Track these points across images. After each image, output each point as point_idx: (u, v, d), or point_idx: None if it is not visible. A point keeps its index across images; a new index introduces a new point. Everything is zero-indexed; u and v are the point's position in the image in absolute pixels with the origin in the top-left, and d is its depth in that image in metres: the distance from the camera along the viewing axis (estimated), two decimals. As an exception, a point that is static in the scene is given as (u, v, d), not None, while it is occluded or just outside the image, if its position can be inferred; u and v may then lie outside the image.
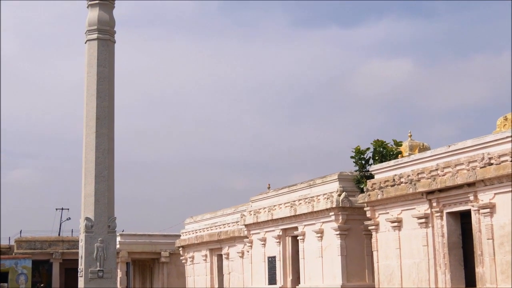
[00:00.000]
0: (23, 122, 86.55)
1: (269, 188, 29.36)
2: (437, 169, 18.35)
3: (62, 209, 58.72)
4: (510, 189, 16.50)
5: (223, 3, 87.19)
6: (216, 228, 31.15)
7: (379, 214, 20.63)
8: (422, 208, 18.94)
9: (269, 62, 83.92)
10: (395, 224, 19.86)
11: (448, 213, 18.44)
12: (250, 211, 27.02)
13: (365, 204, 20.97)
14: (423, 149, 24.25)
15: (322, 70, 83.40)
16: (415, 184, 18.90)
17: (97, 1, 17.91)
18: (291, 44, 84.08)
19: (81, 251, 17.44)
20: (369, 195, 20.65)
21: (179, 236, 35.86)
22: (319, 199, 22.69)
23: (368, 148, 23.66)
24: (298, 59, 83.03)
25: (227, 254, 30.22)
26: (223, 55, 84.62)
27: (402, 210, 19.74)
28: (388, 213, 20.25)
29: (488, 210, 16.98)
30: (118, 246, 33.72)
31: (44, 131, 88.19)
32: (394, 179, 19.84)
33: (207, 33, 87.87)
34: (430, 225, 18.77)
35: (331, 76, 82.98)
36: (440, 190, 18.30)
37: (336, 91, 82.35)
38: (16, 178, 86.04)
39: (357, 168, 23.35)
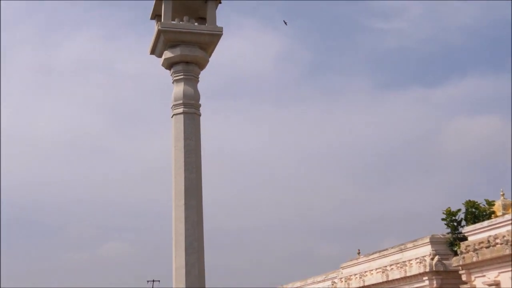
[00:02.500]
0: (113, 196, 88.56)
1: (359, 253, 28.95)
2: (534, 229, 17.75)
3: (154, 281, 59.46)
4: None
5: (305, 70, 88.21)
6: (307, 296, 30.84)
7: (475, 277, 20.02)
8: (521, 270, 18.27)
9: (354, 125, 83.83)
10: (493, 287, 19.20)
11: (549, 274, 17.72)
12: (341, 278, 26.66)
13: (460, 267, 20.44)
14: (517, 207, 23.55)
15: (408, 130, 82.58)
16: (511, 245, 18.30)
17: (181, 77, 18.42)
18: (376, 107, 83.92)
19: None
20: (463, 257, 20.10)
21: (270, 305, 35.64)
22: (411, 264, 22.26)
23: (459, 209, 23.23)
24: (383, 121, 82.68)
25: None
26: (308, 121, 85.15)
27: (499, 273, 19.10)
28: (484, 276, 19.62)
29: None
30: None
31: (134, 204, 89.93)
32: (489, 241, 19.27)
33: (290, 100, 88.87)
34: (530, 287, 18.06)
35: (417, 136, 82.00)
36: (539, 250, 17.65)
37: (423, 151, 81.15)
38: (108, 251, 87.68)
39: (449, 230, 22.92)
